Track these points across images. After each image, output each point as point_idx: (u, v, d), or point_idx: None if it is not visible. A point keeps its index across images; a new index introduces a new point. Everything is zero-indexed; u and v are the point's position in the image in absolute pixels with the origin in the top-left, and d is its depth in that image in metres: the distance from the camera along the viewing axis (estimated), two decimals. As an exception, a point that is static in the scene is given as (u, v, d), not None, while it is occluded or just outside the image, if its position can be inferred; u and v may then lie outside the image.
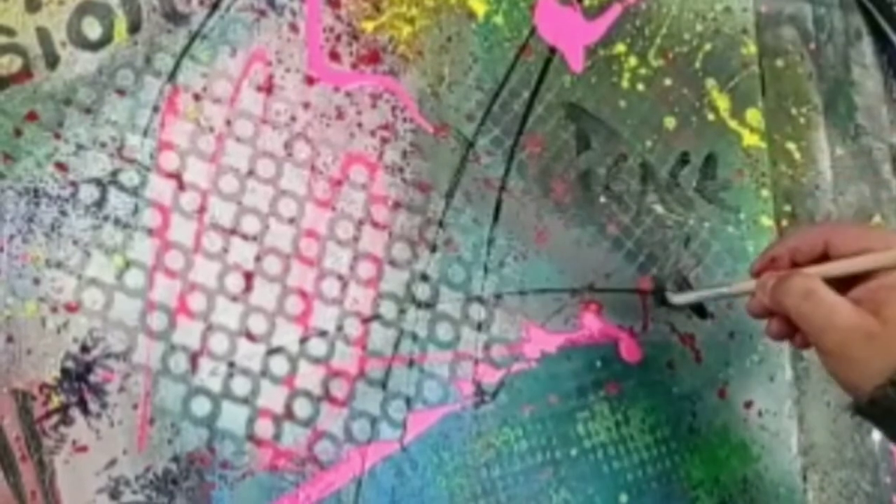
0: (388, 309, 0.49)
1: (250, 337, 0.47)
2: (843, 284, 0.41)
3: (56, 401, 0.45)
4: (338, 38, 0.50)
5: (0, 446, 0.44)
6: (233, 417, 0.47)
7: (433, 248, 0.50)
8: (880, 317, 0.39)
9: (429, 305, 0.50)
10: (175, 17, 0.48)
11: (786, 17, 0.58)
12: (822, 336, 0.40)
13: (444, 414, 0.49)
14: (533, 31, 0.53)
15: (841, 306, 0.40)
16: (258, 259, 0.48)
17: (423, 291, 0.50)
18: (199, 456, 0.46)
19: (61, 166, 0.46)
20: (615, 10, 0.54)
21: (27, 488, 0.44)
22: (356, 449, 0.48)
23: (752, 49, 0.56)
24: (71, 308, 0.46)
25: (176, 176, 0.48)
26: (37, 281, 0.45)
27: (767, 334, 0.44)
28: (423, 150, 0.51)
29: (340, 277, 0.49)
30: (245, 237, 0.48)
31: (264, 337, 0.47)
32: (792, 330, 0.43)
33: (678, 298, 0.50)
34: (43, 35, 0.47)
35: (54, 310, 0.45)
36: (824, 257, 0.43)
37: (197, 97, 0.48)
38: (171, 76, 0.48)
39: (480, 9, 0.52)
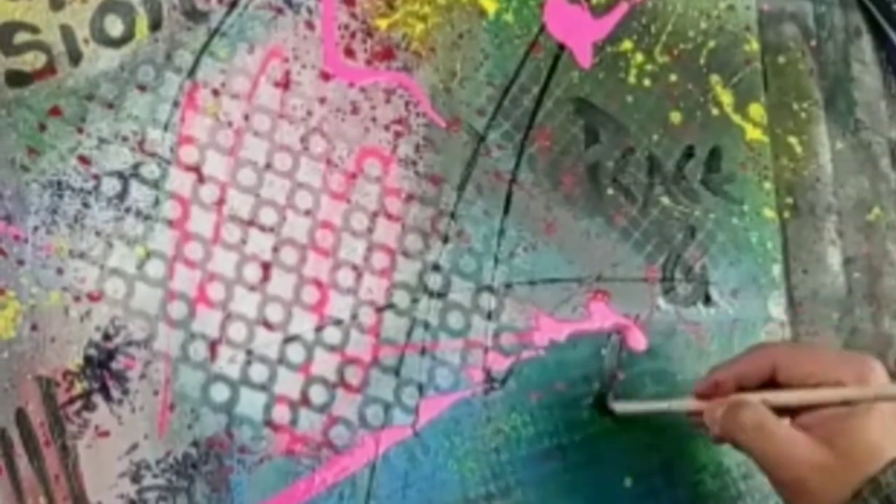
0: (401, 298, 0.50)
1: (268, 325, 0.48)
2: (789, 409, 0.42)
3: (79, 387, 0.46)
4: (352, 35, 0.51)
5: (25, 431, 0.45)
6: (251, 403, 0.47)
7: (445, 239, 0.51)
8: (833, 448, 0.39)
9: (440, 295, 0.50)
10: (195, 15, 0.49)
11: (787, 15, 0.58)
12: (776, 471, 0.41)
13: (455, 400, 0.50)
14: (542, 28, 0.54)
15: (793, 440, 0.40)
16: (275, 250, 0.49)
17: (435, 281, 0.51)
18: (218, 441, 0.47)
19: (84, 160, 0.47)
20: (622, 8, 0.55)
21: (51, 472, 0.45)
22: (370, 434, 0.49)
23: (754, 46, 0.57)
24: (93, 297, 0.46)
25: (195, 169, 0.48)
26: (60, 271, 0.46)
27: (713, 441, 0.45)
28: (436, 143, 0.52)
29: (355, 268, 0.50)
30: (262, 228, 0.49)
31: (281, 325, 0.48)
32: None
33: (619, 407, 0.50)
34: (66, 32, 0.47)
35: (77, 299, 0.46)
36: (771, 381, 0.42)
37: (216, 93, 0.49)
38: (191, 72, 0.49)
39: (491, 7, 0.53)
